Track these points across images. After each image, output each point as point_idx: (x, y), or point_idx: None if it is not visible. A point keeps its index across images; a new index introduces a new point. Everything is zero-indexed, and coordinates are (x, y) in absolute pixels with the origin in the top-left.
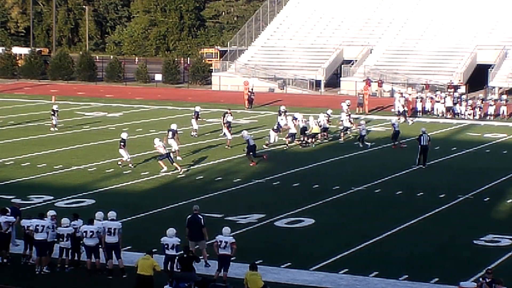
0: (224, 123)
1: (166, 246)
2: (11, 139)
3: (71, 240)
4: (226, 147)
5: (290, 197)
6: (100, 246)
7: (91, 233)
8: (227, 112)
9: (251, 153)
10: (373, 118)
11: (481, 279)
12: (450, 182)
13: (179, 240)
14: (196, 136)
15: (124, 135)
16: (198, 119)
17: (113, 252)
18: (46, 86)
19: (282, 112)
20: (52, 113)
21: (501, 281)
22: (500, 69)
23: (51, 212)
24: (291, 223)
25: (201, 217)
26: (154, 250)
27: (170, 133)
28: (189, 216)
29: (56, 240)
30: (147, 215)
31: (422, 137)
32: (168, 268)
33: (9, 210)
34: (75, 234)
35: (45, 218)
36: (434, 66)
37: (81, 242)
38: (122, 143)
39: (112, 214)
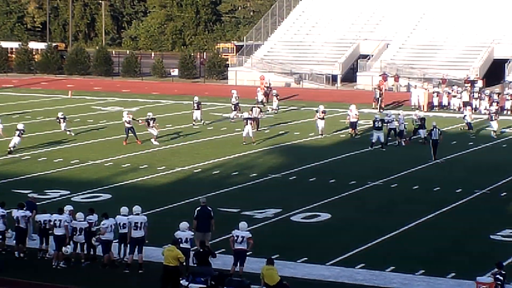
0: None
1: (179, 240)
2: (27, 134)
3: (85, 234)
4: (253, 143)
5: (306, 192)
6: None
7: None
8: (254, 107)
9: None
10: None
11: (494, 274)
12: (467, 177)
13: (192, 233)
14: (195, 126)
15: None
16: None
17: (137, 246)
18: (63, 81)
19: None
20: (58, 120)
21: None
22: None
23: (68, 207)
24: (308, 218)
25: (210, 209)
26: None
27: (151, 121)
28: (198, 208)
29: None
30: (164, 209)
31: (433, 131)
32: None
33: (25, 204)
34: (90, 228)
35: (64, 213)
36: (451, 61)
37: (96, 237)
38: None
39: (137, 208)
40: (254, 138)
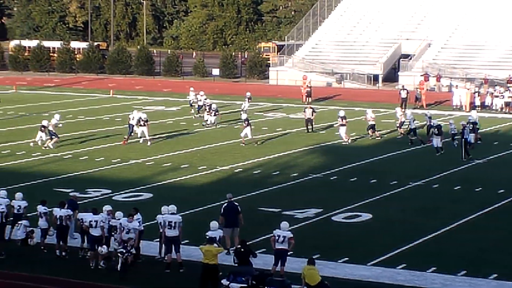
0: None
1: (214, 238)
2: (69, 133)
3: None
4: (255, 143)
5: (347, 192)
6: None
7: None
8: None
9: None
10: (431, 113)
11: None
12: (509, 177)
13: (222, 232)
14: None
15: (243, 116)
16: (211, 111)
17: (172, 246)
18: (104, 80)
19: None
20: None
21: None
22: None
23: (107, 207)
24: (349, 218)
25: (237, 204)
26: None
27: (141, 121)
28: (225, 204)
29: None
30: (205, 209)
31: (464, 130)
32: None
33: (67, 203)
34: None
35: (101, 213)
36: (493, 61)
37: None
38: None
39: (172, 208)
40: (254, 139)
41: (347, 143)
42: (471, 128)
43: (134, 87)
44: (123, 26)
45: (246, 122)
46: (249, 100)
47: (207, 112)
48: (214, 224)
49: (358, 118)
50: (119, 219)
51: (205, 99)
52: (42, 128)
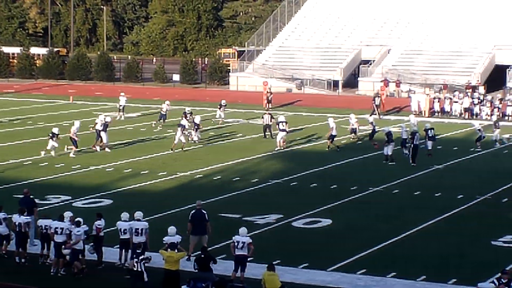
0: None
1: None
2: (29, 139)
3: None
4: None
5: (307, 198)
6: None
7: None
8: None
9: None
10: (390, 118)
11: (495, 280)
12: (468, 183)
13: (180, 237)
14: (187, 134)
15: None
16: (187, 118)
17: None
18: (64, 86)
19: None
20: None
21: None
22: None
23: (68, 214)
24: (309, 223)
25: (205, 212)
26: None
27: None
28: (193, 211)
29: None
30: (165, 215)
31: (415, 136)
32: None
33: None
34: (98, 234)
35: (65, 221)
36: (452, 67)
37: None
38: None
39: (138, 214)
40: (184, 145)
41: (280, 149)
42: (430, 135)
43: (94, 93)
44: (83, 32)
45: (180, 127)
46: (223, 108)
47: (194, 129)
48: (172, 229)
49: (322, 124)
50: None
51: (190, 113)
52: (53, 137)
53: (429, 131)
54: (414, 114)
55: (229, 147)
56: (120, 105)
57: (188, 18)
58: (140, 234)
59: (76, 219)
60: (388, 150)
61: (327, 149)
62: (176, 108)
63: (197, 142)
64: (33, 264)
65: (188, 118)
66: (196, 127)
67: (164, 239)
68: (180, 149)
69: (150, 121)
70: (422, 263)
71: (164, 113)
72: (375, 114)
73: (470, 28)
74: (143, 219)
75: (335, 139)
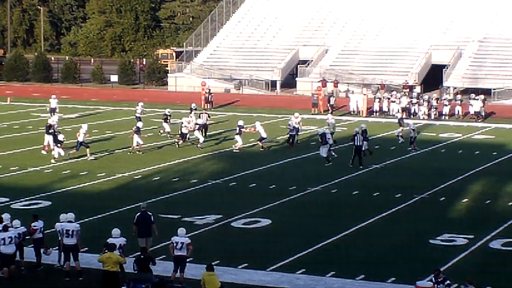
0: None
1: (114, 245)
2: None
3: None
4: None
5: (246, 198)
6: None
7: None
8: (202, 113)
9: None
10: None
11: (433, 278)
12: (406, 182)
13: (125, 239)
14: (169, 137)
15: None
16: (167, 121)
17: (71, 254)
18: (1, 87)
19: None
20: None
21: (472, 281)
22: (455, 69)
23: (6, 216)
24: (248, 223)
25: (151, 214)
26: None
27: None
28: (138, 213)
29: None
30: (105, 216)
31: (356, 137)
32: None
33: None
34: (31, 235)
35: (10, 229)
36: (389, 66)
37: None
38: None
39: (70, 215)
40: (141, 147)
41: (238, 151)
42: (364, 136)
43: (31, 94)
44: (20, 32)
45: (136, 128)
46: (194, 111)
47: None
48: (116, 231)
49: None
50: (18, 227)
51: (170, 114)
52: (58, 142)
53: (364, 132)
54: (352, 114)
55: (168, 147)
56: (52, 108)
57: (126, 18)
58: (71, 236)
59: (3, 224)
60: (323, 151)
61: (261, 149)
62: (117, 109)
63: (200, 148)
64: None
65: (169, 121)
66: (202, 127)
67: (108, 240)
68: (140, 152)
69: (87, 122)
70: (361, 262)
71: (139, 115)
72: (331, 113)
73: (407, 28)
74: (79, 221)
75: (263, 140)
